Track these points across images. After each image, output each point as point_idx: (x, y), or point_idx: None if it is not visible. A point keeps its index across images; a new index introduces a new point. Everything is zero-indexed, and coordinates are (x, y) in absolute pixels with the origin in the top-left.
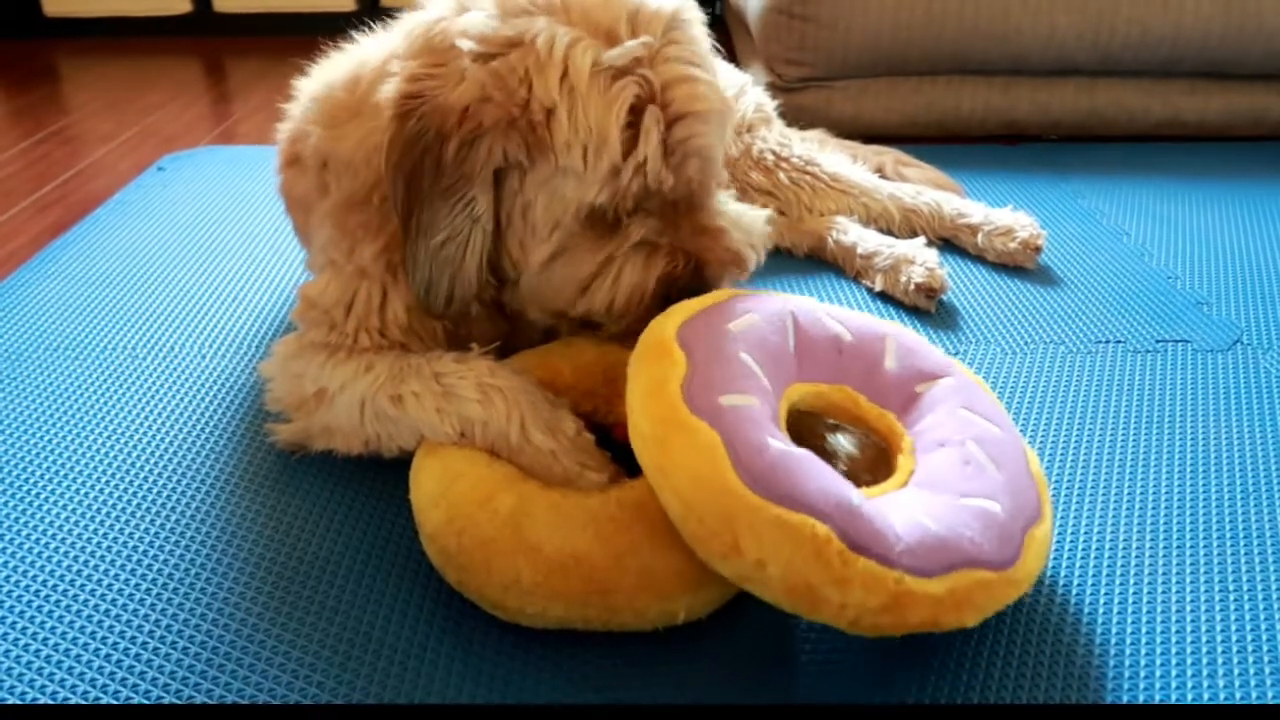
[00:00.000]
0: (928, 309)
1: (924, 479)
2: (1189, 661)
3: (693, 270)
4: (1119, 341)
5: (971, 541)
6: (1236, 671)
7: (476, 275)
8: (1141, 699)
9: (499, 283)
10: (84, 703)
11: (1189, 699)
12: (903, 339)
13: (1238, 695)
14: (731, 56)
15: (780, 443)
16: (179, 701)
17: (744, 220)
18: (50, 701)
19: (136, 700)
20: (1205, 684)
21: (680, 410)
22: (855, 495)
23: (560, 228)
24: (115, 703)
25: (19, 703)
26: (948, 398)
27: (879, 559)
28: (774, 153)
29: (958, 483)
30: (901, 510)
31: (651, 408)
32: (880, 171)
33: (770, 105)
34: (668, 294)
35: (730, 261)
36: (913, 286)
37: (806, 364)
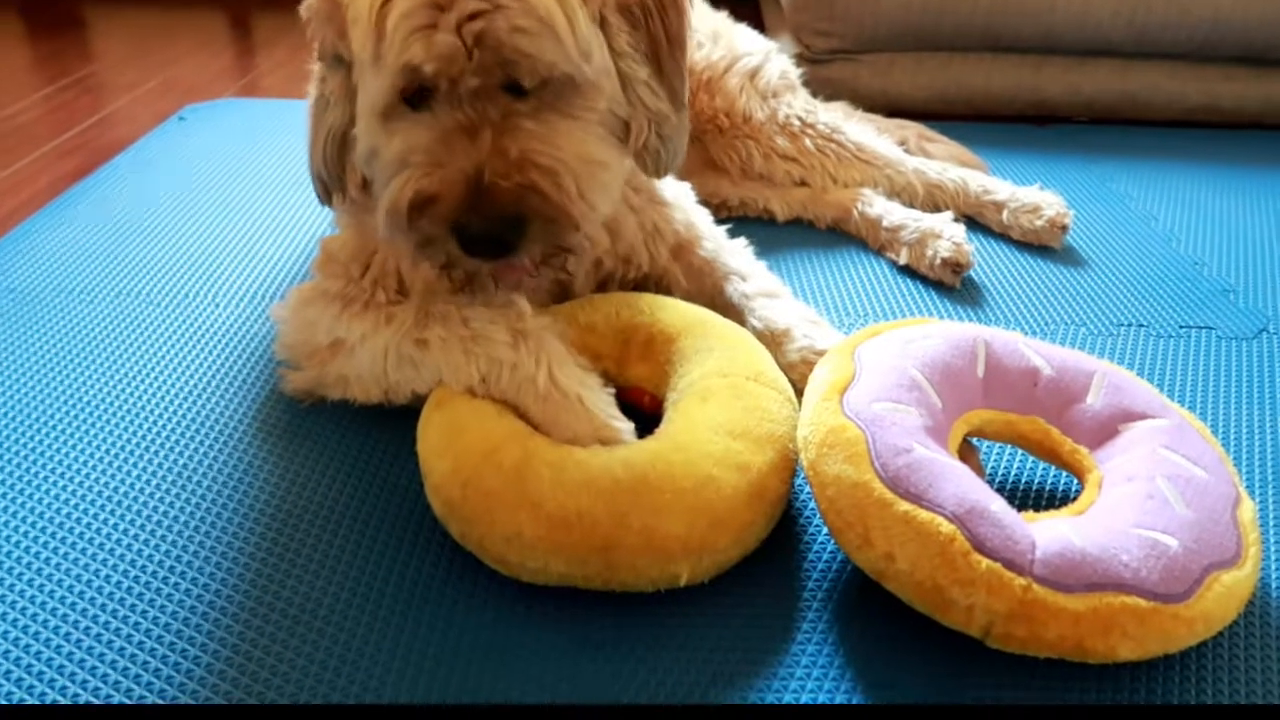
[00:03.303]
0: (952, 284)
1: (1100, 510)
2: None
3: (469, 198)
4: (1142, 325)
5: (1125, 565)
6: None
7: (323, 154)
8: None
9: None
10: (83, 678)
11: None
12: (1113, 377)
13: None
14: (760, 26)
15: (929, 451)
16: (171, 671)
17: (567, 153)
18: (53, 654)
19: (130, 651)
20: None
21: (835, 410)
22: (996, 504)
23: (363, 116)
24: (114, 694)
25: (23, 692)
26: (1150, 438)
27: (1006, 563)
28: (800, 119)
29: (1134, 515)
30: (1050, 527)
31: (813, 409)
32: (903, 145)
33: (795, 73)
34: (454, 229)
35: (522, 185)
36: (939, 261)
37: (995, 392)
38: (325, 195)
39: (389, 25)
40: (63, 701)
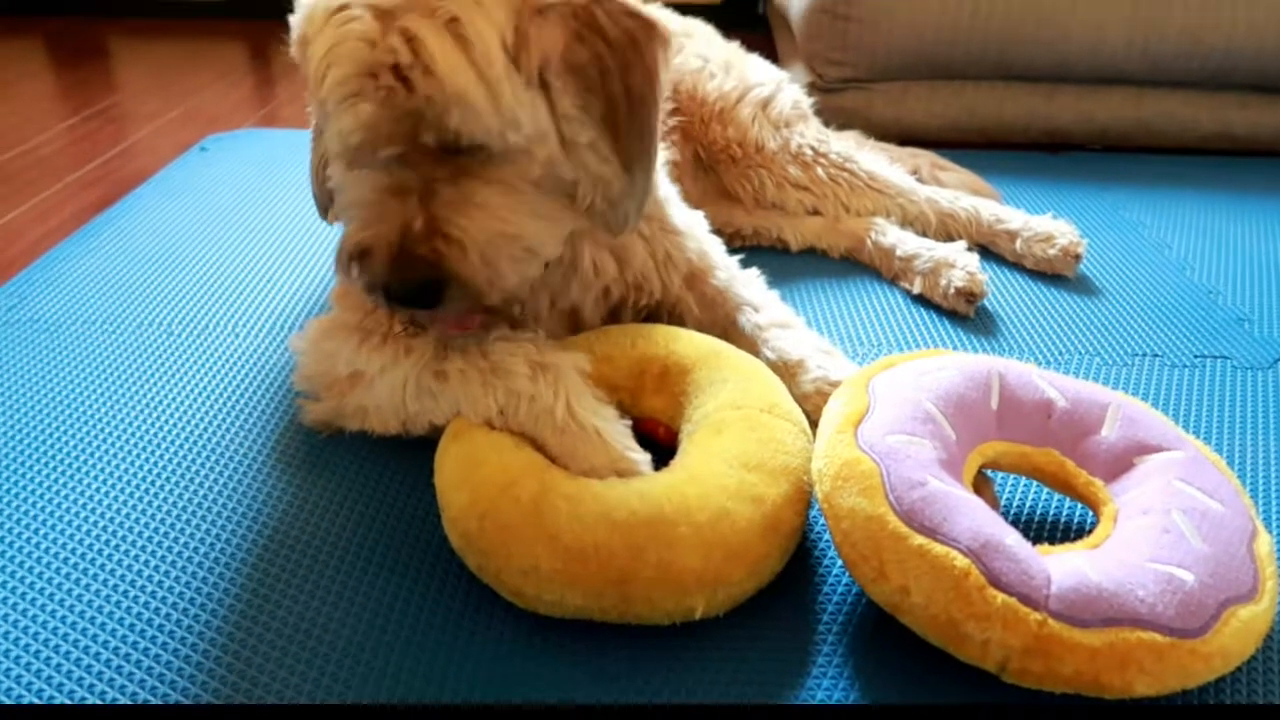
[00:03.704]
0: (966, 314)
1: (1116, 544)
2: None
3: (392, 261)
4: (1157, 355)
5: (1141, 600)
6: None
7: (317, 176)
8: None
9: None
10: (99, 679)
11: None
12: (1127, 409)
13: None
14: (773, 55)
15: (944, 484)
16: (193, 686)
17: (480, 226)
18: (68, 664)
19: (141, 676)
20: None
21: (850, 443)
22: (1011, 537)
23: (330, 162)
24: (131, 695)
25: (30, 702)
26: (1166, 470)
27: (1021, 598)
28: (812, 148)
29: (1149, 548)
30: (1066, 561)
31: (827, 441)
32: (915, 174)
33: (806, 102)
34: (380, 288)
35: (436, 255)
36: (953, 290)
37: (1009, 424)
38: (323, 212)
39: (324, 93)
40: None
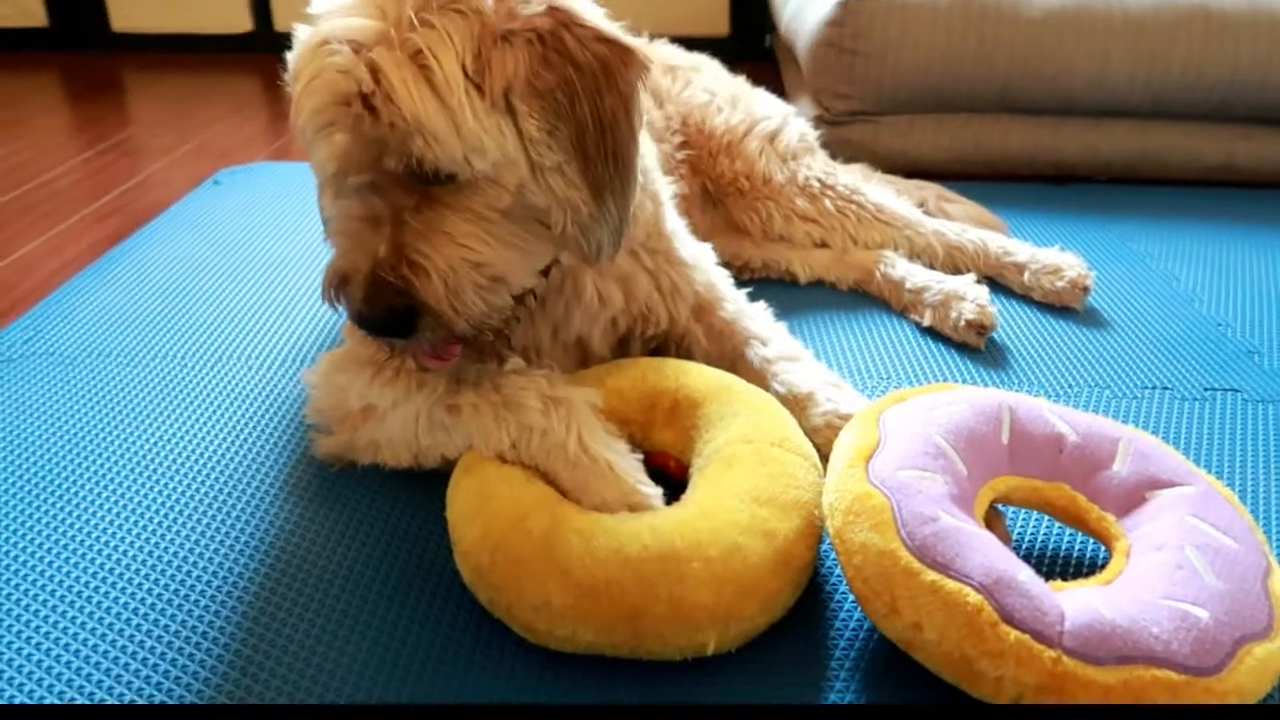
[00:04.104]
0: (977, 346)
1: (1129, 580)
2: None
3: (365, 291)
4: (1166, 388)
5: (1155, 637)
6: None
7: (322, 200)
8: None
9: None
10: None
11: None
12: (1138, 443)
13: None
14: (780, 89)
15: (956, 520)
16: (200, 702)
17: (443, 257)
18: (78, 678)
19: (148, 705)
20: None
21: (861, 477)
22: (1024, 573)
23: (322, 197)
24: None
25: (35, 703)
26: (1178, 505)
27: (1035, 635)
28: (819, 181)
29: (1163, 585)
30: (1079, 597)
31: (838, 476)
32: (922, 206)
33: (813, 135)
34: (354, 318)
35: (405, 285)
36: (963, 323)
37: (1021, 458)
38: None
39: (303, 121)
40: None
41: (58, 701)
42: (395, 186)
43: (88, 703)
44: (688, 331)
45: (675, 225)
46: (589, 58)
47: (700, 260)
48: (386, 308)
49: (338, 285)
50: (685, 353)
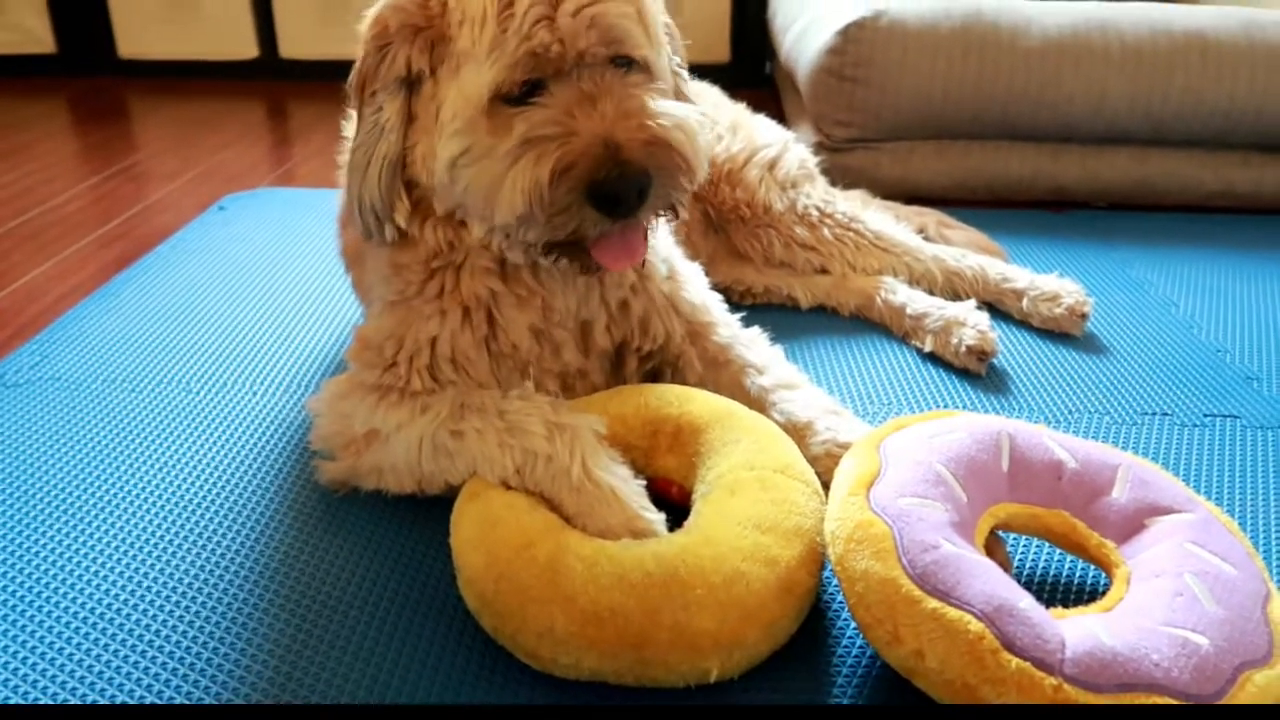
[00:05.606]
0: (978, 372)
1: (1129, 607)
2: None
3: (606, 157)
4: (1165, 414)
5: (1156, 665)
6: None
7: (378, 182)
8: None
9: (412, 199)
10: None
11: None
12: (1137, 470)
13: None
14: (780, 115)
15: (957, 547)
16: None
17: (678, 113)
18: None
19: None
20: None
21: (862, 505)
22: (1025, 601)
23: (459, 117)
24: None
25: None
26: (1177, 532)
27: (1036, 662)
28: (819, 209)
29: (1163, 612)
30: (1079, 625)
31: (840, 504)
32: (922, 232)
33: (813, 162)
34: (590, 190)
35: (649, 141)
36: (964, 349)
37: (1021, 485)
38: (376, 227)
39: (516, 15)
40: None
41: None
42: (605, 68)
43: None
44: (682, 354)
45: (670, 250)
46: None
47: (692, 278)
48: (636, 172)
49: (560, 174)
50: (679, 375)
